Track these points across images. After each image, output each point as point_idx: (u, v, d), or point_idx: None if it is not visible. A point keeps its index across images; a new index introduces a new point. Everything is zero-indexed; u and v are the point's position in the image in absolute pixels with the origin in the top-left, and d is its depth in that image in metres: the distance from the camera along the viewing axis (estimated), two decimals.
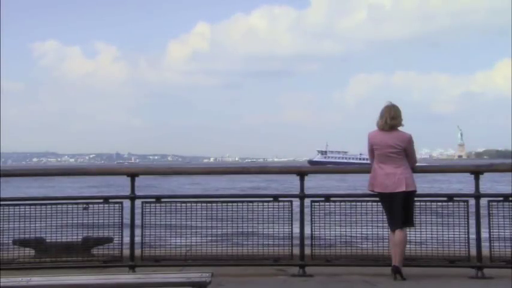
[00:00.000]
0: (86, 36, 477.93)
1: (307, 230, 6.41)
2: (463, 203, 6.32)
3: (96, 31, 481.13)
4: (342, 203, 6.46)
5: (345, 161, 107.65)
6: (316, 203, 6.45)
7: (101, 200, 6.61)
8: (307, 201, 6.46)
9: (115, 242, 6.53)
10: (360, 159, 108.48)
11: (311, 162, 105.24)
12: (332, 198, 6.50)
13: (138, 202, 6.57)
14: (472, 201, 6.34)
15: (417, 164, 6.36)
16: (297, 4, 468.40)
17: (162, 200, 6.64)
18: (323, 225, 6.41)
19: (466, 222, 6.27)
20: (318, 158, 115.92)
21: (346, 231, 6.43)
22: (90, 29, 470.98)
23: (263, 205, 6.50)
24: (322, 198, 6.50)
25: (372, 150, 6.28)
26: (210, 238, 6.58)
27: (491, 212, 6.26)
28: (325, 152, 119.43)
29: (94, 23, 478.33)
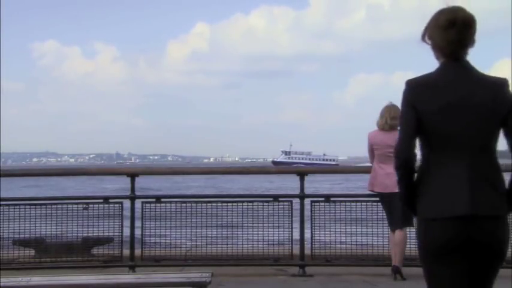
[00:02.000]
0: (85, 36, 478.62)
1: (307, 230, 6.41)
2: None
3: (95, 31, 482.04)
4: (342, 203, 6.46)
5: (308, 161, 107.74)
6: (316, 203, 6.45)
7: (101, 200, 6.61)
8: (307, 201, 6.46)
9: (115, 242, 6.53)
10: (323, 159, 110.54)
11: (275, 162, 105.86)
12: (332, 198, 6.50)
13: (138, 202, 6.57)
14: None
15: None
16: (296, 5, 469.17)
17: (162, 200, 6.64)
18: (323, 225, 6.41)
19: None
20: (282, 158, 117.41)
21: (346, 231, 6.43)
22: (89, 29, 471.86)
23: (263, 205, 6.50)
24: (322, 198, 6.51)
25: (371, 150, 6.27)
26: (210, 238, 6.58)
27: None
28: (289, 152, 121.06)
29: (93, 23, 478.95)
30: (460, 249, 2.52)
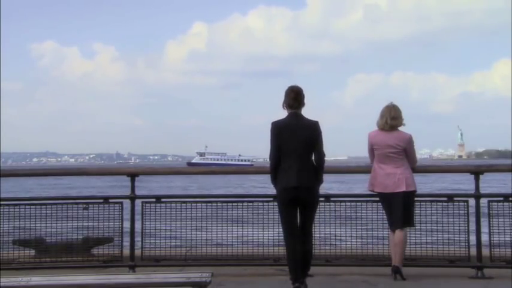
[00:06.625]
0: (84, 36, 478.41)
1: None
2: (463, 203, 6.31)
3: (94, 32, 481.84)
4: (342, 203, 6.46)
5: (223, 162, 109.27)
6: None
7: (101, 200, 6.61)
8: None
9: (115, 242, 6.53)
10: (238, 160, 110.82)
11: (189, 164, 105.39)
12: (332, 198, 6.49)
13: (138, 202, 6.57)
14: (472, 201, 6.34)
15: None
16: (294, 5, 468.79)
17: (162, 200, 6.63)
18: (323, 225, 6.40)
19: (466, 222, 6.27)
20: (196, 159, 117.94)
21: (346, 231, 6.43)
22: (88, 30, 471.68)
23: (263, 205, 6.50)
24: (322, 198, 6.47)
25: (372, 150, 6.27)
26: (210, 238, 6.57)
27: (491, 212, 6.25)
28: (204, 153, 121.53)
29: (91, 24, 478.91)
30: (293, 202, 5.47)
